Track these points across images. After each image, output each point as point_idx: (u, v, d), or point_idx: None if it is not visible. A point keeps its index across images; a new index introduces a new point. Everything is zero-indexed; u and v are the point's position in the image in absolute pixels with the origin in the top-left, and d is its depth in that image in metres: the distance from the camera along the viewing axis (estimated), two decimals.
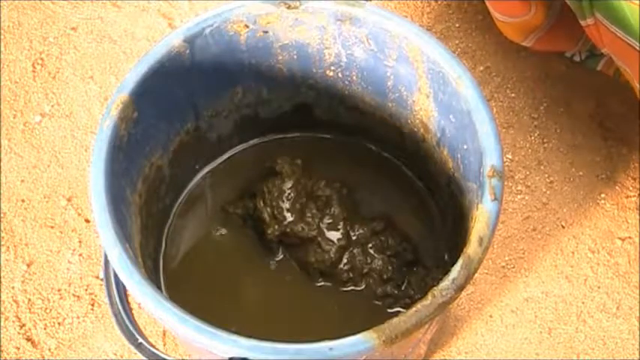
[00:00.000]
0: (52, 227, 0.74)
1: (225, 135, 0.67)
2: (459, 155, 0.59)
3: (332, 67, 0.63)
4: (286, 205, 0.63)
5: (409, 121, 0.64)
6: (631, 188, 0.77)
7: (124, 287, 0.57)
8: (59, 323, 0.70)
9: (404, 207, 0.66)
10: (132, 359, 0.69)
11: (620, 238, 0.74)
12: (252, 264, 0.64)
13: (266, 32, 0.60)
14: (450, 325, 0.71)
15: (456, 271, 0.50)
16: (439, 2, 0.86)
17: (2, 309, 0.71)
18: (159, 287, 0.59)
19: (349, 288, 0.63)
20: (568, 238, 0.75)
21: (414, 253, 0.63)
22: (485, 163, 0.53)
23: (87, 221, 0.75)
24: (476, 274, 0.51)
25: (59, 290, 0.72)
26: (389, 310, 0.62)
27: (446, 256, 0.63)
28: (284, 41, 0.61)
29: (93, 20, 0.85)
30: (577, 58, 0.80)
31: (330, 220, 0.63)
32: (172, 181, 0.64)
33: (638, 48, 0.59)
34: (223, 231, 0.65)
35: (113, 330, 0.69)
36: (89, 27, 0.85)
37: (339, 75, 0.64)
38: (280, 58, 0.62)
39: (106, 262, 0.57)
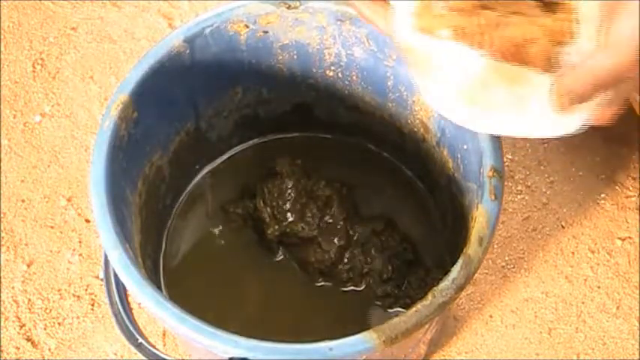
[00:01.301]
0: (52, 227, 0.74)
1: (225, 135, 0.67)
2: (459, 155, 0.59)
3: (332, 67, 0.63)
4: (286, 205, 0.63)
5: (409, 121, 0.64)
6: (631, 188, 0.77)
7: (124, 287, 0.57)
8: (59, 323, 0.70)
9: (404, 207, 0.66)
10: (132, 359, 0.69)
11: (620, 238, 0.74)
12: (252, 264, 0.64)
13: (266, 32, 0.60)
14: (450, 325, 0.70)
15: (456, 271, 0.50)
16: None
17: (2, 309, 0.71)
18: (159, 287, 0.59)
19: (349, 288, 0.63)
20: (568, 238, 0.75)
21: (414, 253, 0.63)
22: (485, 163, 0.53)
23: (87, 221, 0.75)
24: (476, 274, 0.51)
25: (59, 290, 0.72)
26: (389, 310, 0.62)
27: (446, 256, 0.63)
28: (284, 41, 0.61)
29: (93, 20, 0.85)
30: None
31: (330, 220, 0.63)
32: (172, 181, 0.64)
33: None
34: (223, 231, 0.65)
35: (113, 330, 0.69)
36: (89, 27, 0.85)
37: (339, 75, 0.64)
38: (280, 58, 0.62)
39: (106, 262, 0.57)
